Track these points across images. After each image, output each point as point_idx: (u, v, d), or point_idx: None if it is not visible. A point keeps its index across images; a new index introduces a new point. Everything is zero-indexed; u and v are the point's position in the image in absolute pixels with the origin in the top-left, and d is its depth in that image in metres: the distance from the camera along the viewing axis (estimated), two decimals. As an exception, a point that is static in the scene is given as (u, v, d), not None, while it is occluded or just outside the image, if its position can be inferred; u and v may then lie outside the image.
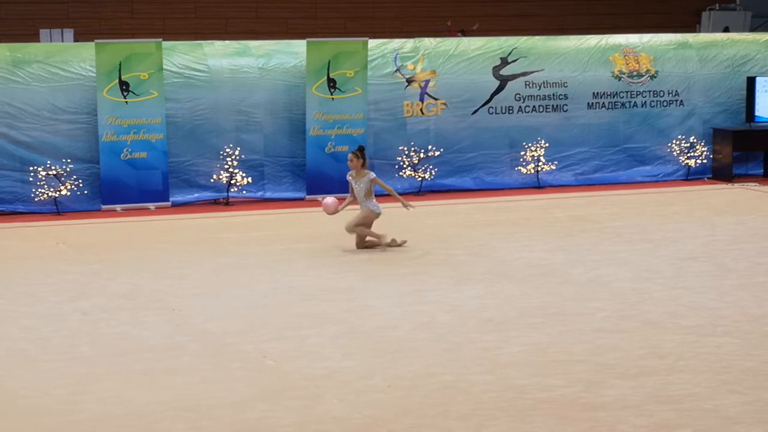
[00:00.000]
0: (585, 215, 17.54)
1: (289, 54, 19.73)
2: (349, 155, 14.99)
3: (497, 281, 12.98)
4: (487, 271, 13.49)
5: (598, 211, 17.93)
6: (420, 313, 11.58)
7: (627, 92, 21.31)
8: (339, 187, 19.27)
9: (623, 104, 21.32)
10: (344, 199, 15.38)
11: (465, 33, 25.07)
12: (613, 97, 21.28)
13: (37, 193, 18.03)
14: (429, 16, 28.66)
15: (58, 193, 18.04)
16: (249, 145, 19.20)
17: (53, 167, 18.05)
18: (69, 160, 18.17)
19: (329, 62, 19.33)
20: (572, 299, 12.14)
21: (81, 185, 18.22)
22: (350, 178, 15.02)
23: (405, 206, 15.12)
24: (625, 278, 13.15)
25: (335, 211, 15.08)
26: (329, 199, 15.22)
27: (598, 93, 21.18)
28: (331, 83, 19.37)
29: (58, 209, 18.06)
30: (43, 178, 18.00)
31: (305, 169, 19.40)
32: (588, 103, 21.14)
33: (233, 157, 18.89)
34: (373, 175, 14.93)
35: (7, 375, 9.64)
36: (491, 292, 12.45)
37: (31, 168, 18.06)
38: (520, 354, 10.13)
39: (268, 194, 19.39)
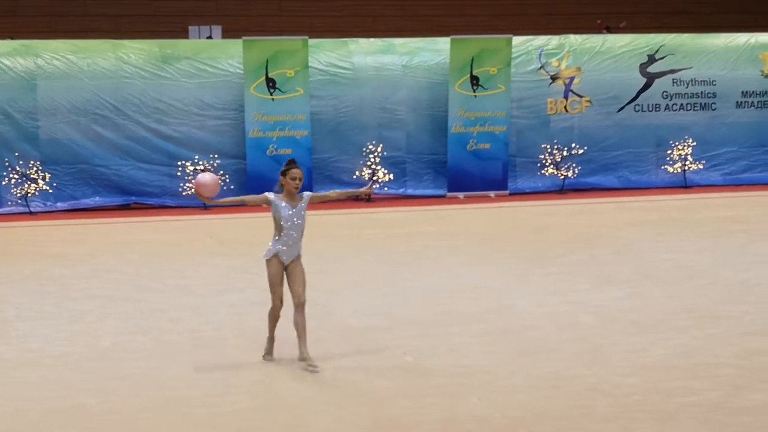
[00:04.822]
0: (733, 216, 17.19)
1: (432, 51, 19.77)
2: (299, 172, 9.72)
3: (643, 282, 12.80)
4: (633, 272, 13.31)
5: (746, 212, 17.56)
6: (563, 314, 11.49)
7: (777, 91, 20.88)
8: (480, 184, 19.28)
9: (773, 104, 20.89)
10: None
11: (610, 30, 24.78)
12: (763, 96, 20.84)
13: (185, 187, 18.39)
14: (574, 12, 28.41)
15: (205, 187, 18.36)
16: (391, 142, 19.30)
17: (201, 162, 18.39)
18: (216, 156, 18.50)
19: (473, 59, 19.30)
20: (720, 302, 11.90)
21: (228, 180, 18.53)
22: (281, 201, 9.68)
23: (365, 193, 11.51)
24: (774, 281, 12.86)
25: (213, 193, 9.79)
26: (208, 176, 9.89)
27: (747, 92, 20.77)
28: (474, 80, 19.34)
29: (205, 204, 18.38)
30: (191, 173, 18.36)
31: (446, 166, 19.42)
32: (737, 102, 20.74)
33: (376, 153, 19.01)
34: (308, 193, 9.93)
35: (156, 366, 9.84)
36: (636, 294, 12.28)
37: (179, 163, 18.44)
38: (666, 357, 9.98)
39: (410, 191, 19.47)
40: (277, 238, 9.66)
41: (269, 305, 9.79)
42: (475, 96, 19.36)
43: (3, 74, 18.17)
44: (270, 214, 9.75)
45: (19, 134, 18.12)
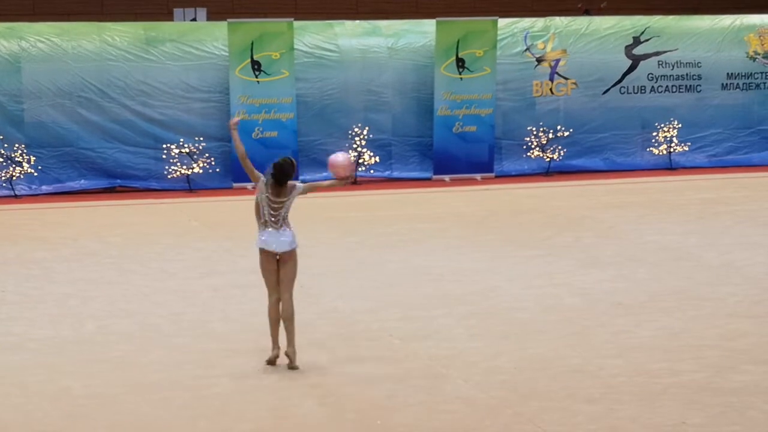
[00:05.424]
0: (717, 198, 17.22)
1: (418, 34, 19.71)
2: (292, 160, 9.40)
3: (627, 264, 12.81)
4: (617, 254, 13.32)
5: (730, 194, 17.59)
6: (548, 296, 11.49)
7: (762, 73, 20.86)
8: (466, 167, 19.27)
9: (757, 85, 20.88)
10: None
11: (590, 13, 24.71)
12: (748, 78, 20.84)
13: (170, 170, 18.35)
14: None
15: (190, 170, 18.33)
16: (377, 125, 19.26)
17: (186, 145, 18.34)
18: (201, 139, 18.45)
19: (458, 41, 19.26)
20: (705, 283, 11.92)
21: (213, 163, 18.48)
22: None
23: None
24: (758, 262, 12.87)
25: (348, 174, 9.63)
26: (342, 157, 9.58)
27: (732, 74, 20.76)
28: (460, 63, 19.30)
29: (190, 186, 18.36)
30: (176, 156, 18.31)
31: (432, 148, 19.39)
32: (722, 84, 20.74)
33: (361, 136, 18.97)
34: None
35: (140, 350, 9.82)
36: (621, 276, 12.29)
37: (164, 146, 18.39)
38: (651, 338, 9.99)
39: (396, 173, 19.44)
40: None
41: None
42: (461, 78, 19.31)
43: (-13, 57, 18.09)
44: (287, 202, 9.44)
45: (3, 117, 18.03)
